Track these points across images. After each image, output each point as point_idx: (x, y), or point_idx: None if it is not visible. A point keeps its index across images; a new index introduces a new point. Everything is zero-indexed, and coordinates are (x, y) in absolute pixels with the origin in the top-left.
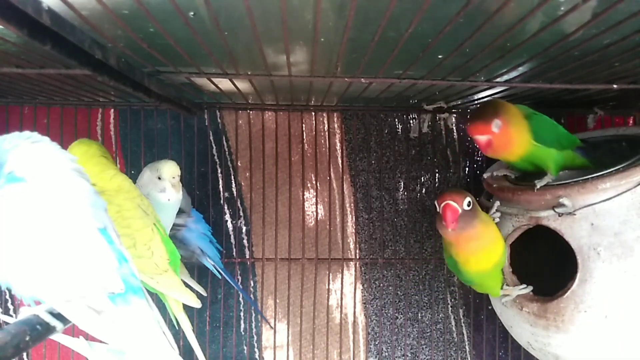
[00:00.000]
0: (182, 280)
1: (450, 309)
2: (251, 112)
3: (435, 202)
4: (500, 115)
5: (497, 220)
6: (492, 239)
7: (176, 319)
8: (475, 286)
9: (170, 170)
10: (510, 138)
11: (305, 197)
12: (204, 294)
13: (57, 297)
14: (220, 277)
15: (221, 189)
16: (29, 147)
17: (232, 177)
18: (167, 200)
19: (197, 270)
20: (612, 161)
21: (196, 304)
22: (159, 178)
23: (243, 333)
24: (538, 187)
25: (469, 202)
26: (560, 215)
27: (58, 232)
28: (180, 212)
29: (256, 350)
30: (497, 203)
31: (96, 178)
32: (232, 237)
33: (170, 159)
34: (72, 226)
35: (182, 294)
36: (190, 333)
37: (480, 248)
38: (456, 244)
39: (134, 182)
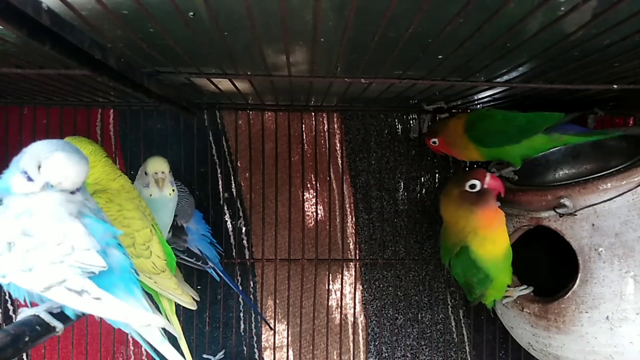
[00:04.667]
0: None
1: (450, 309)
2: (251, 112)
3: (471, 182)
4: (437, 134)
5: None
6: (503, 217)
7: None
8: (483, 292)
9: (153, 165)
10: (450, 149)
11: (305, 197)
12: (198, 298)
13: (37, 285)
14: (219, 279)
15: (221, 190)
16: None
17: (232, 177)
18: (149, 195)
19: (196, 271)
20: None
21: (192, 305)
22: (146, 173)
23: (243, 334)
24: (496, 173)
25: None
26: (561, 215)
27: (30, 223)
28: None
29: (256, 350)
30: (498, 204)
31: (102, 176)
32: (231, 237)
33: (164, 157)
34: (43, 216)
35: (178, 295)
36: (181, 336)
37: (498, 226)
38: (480, 223)
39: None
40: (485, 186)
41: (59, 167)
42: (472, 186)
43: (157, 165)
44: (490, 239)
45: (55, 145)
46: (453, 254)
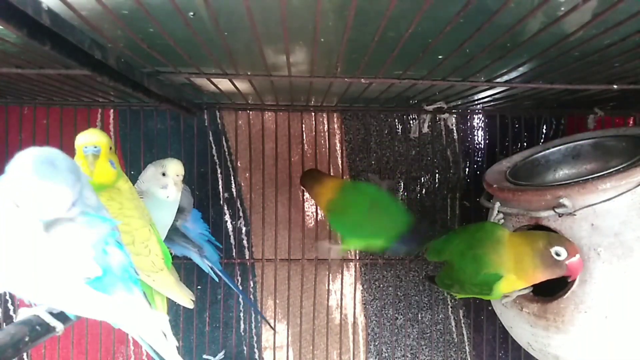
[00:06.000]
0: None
1: (450, 309)
2: (251, 112)
3: (561, 249)
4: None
5: (502, 222)
6: None
7: None
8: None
9: (175, 168)
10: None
11: (305, 197)
12: (194, 298)
13: (31, 295)
14: (217, 280)
15: (221, 190)
16: None
17: (232, 177)
18: (166, 197)
19: (196, 270)
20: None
21: (189, 304)
22: (163, 174)
23: (243, 333)
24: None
25: None
26: (560, 215)
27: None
28: (180, 210)
29: (256, 350)
30: (498, 204)
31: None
32: (231, 237)
33: (178, 159)
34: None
35: (176, 294)
36: (171, 336)
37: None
38: (530, 282)
39: (138, 178)
40: (567, 263)
41: (37, 199)
42: (558, 253)
43: (179, 168)
44: (519, 283)
45: (30, 169)
46: (480, 270)
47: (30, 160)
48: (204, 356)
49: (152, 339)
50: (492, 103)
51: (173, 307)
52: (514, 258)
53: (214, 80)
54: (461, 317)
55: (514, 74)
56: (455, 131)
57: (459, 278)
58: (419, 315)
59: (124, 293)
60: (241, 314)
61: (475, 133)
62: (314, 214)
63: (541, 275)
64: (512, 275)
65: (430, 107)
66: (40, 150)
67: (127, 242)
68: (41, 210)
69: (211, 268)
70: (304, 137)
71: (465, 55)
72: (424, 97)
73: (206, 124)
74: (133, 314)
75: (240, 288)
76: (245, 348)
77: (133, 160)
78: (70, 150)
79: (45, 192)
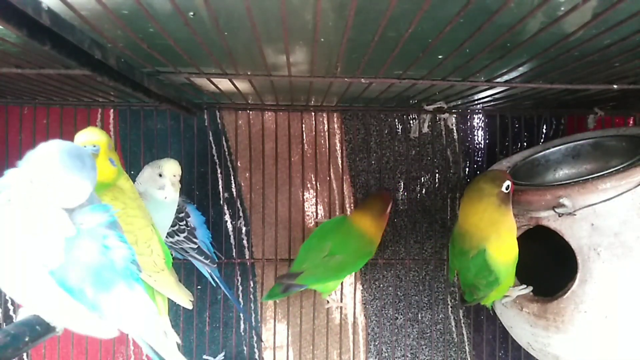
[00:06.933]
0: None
1: (450, 309)
2: (251, 112)
3: (507, 183)
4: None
5: None
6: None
7: None
8: (487, 293)
9: (172, 168)
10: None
11: (305, 197)
12: (192, 298)
13: (8, 287)
14: (215, 285)
15: (221, 190)
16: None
17: (232, 177)
18: (164, 198)
19: (196, 271)
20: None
21: (188, 304)
22: (160, 175)
23: (243, 333)
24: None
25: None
26: (560, 215)
27: None
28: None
29: (256, 350)
30: None
31: (117, 175)
32: (231, 237)
33: (175, 159)
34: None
35: (176, 294)
36: (173, 334)
37: (514, 230)
38: (507, 225)
39: (135, 181)
40: (509, 190)
41: (64, 189)
42: (507, 187)
43: (175, 168)
44: (508, 243)
45: (59, 160)
46: (469, 257)
47: (59, 152)
48: (204, 356)
49: (153, 337)
50: (492, 103)
51: (173, 307)
52: (482, 226)
53: (214, 80)
54: (461, 317)
55: (514, 74)
56: (455, 131)
57: (469, 282)
58: (419, 315)
59: (125, 289)
60: (241, 314)
61: (475, 133)
62: (314, 213)
63: (509, 213)
64: (493, 239)
65: (430, 107)
66: (68, 143)
67: (131, 242)
68: (61, 201)
69: (210, 275)
70: (304, 137)
71: (465, 55)
72: (424, 97)
73: (206, 124)
74: (133, 310)
75: (240, 288)
76: (245, 348)
77: (133, 160)
78: None
79: (70, 184)
